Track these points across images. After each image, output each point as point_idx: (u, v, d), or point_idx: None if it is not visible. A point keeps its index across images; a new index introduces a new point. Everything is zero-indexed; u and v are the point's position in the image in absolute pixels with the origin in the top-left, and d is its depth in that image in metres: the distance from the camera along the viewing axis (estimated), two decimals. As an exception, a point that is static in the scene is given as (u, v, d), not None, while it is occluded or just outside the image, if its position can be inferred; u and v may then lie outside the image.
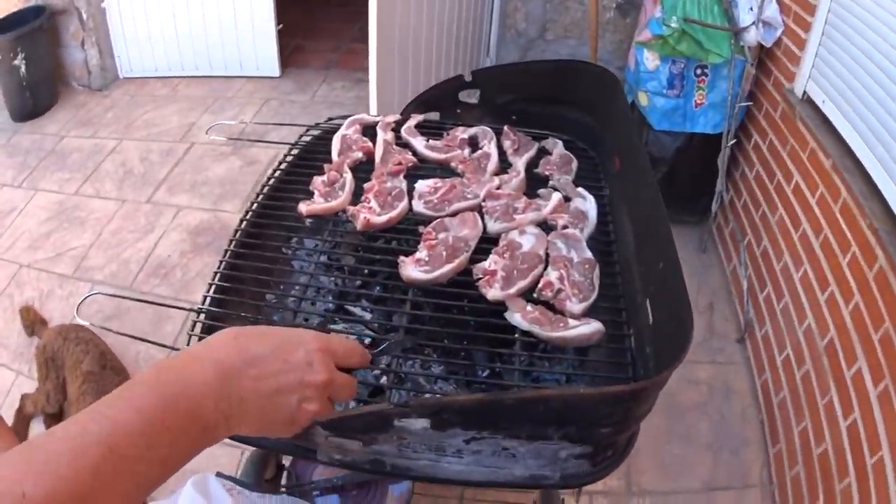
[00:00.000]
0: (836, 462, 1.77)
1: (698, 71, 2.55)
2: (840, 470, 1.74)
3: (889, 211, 1.71)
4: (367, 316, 1.15)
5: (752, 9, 2.38)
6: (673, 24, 2.41)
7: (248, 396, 0.60)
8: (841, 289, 1.90)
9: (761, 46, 2.50)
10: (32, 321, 2.52)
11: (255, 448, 1.20)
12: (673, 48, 2.45)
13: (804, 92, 2.25)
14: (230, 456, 2.00)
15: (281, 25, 4.19)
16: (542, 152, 1.40)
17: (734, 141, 2.63)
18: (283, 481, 1.51)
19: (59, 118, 4.02)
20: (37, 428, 2.25)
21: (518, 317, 0.97)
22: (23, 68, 3.84)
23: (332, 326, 1.14)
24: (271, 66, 4.34)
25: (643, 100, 2.73)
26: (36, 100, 4.04)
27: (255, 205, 1.31)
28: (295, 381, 0.63)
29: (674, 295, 0.86)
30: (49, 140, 3.81)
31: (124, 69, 4.35)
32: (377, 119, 1.46)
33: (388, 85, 2.58)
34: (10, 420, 2.21)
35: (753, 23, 2.37)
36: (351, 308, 1.17)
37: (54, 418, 2.21)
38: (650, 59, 2.61)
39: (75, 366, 2.18)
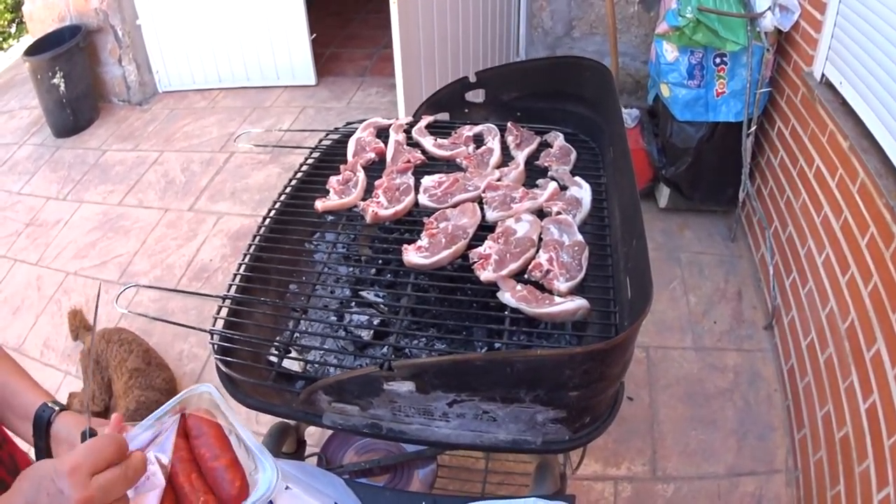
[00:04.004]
0: (856, 445, 1.83)
1: (717, 60, 2.63)
2: (860, 453, 1.80)
3: (905, 186, 1.78)
4: (378, 300, 1.30)
5: (768, -6, 2.45)
6: (688, 15, 2.50)
7: None
8: (860, 270, 1.96)
9: (779, 31, 2.56)
10: (78, 326, 2.75)
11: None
12: (689, 38, 2.54)
13: (822, 74, 2.32)
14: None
15: (315, 35, 4.40)
16: (544, 146, 1.52)
17: (754, 128, 2.69)
18: (315, 463, 1.66)
19: (101, 133, 4.31)
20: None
21: (508, 296, 1.10)
22: (62, 86, 4.14)
23: (346, 310, 1.29)
24: (307, 74, 4.55)
25: (665, 91, 2.82)
26: (76, 116, 4.33)
27: (278, 204, 1.47)
28: None
29: (641, 271, 0.98)
30: (91, 154, 4.09)
31: (163, 83, 4.62)
32: (391, 122, 1.61)
33: (416, 90, 2.73)
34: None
35: (769, 8, 2.44)
36: (364, 294, 1.32)
37: (100, 415, 2.42)
38: (669, 51, 2.70)
39: (120, 364, 2.39)
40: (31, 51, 4.19)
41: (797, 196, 2.47)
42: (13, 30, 6.34)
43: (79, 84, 4.24)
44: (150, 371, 2.40)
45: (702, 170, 2.94)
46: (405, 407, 0.98)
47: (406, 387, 0.92)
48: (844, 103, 2.17)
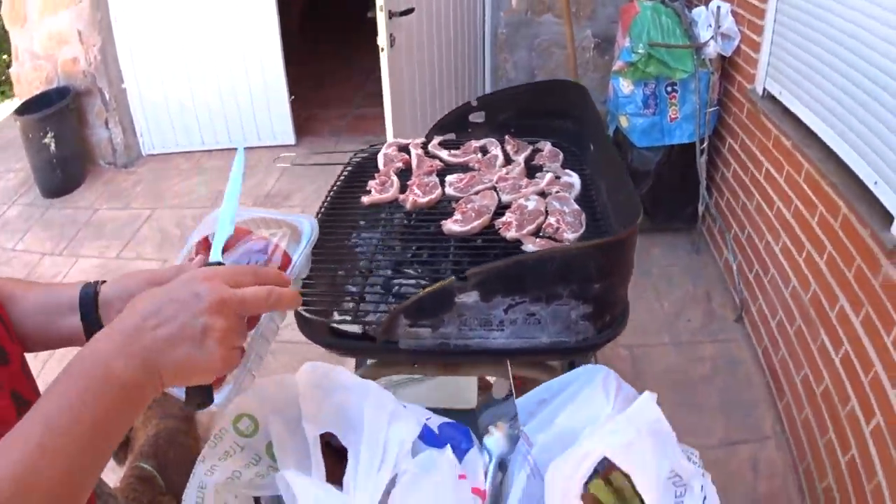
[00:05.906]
0: (837, 393, 2.16)
1: (668, 88, 3.13)
2: (841, 398, 2.13)
3: (842, 165, 2.20)
4: (419, 272, 1.65)
5: (710, 25, 2.97)
6: (640, 50, 2.99)
7: (154, 346, 0.67)
8: (815, 246, 2.37)
9: (722, 57, 3.07)
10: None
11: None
12: (643, 71, 3.04)
13: (764, 89, 2.80)
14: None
15: (293, 97, 4.83)
16: (536, 151, 1.94)
17: (706, 146, 3.17)
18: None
19: (89, 194, 4.62)
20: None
21: (531, 246, 1.48)
22: (52, 146, 4.42)
23: (395, 281, 1.63)
24: (287, 134, 4.97)
25: (624, 122, 3.30)
26: (66, 176, 4.61)
27: (323, 207, 1.83)
28: (189, 315, 0.68)
29: (627, 196, 1.38)
30: (83, 213, 4.38)
31: (147, 146, 4.98)
32: (409, 141, 2.01)
33: (401, 134, 3.21)
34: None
35: (712, 37, 2.95)
36: (406, 270, 1.67)
37: (121, 447, 2.56)
38: (625, 86, 3.19)
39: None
40: (21, 111, 4.45)
41: (751, 199, 2.92)
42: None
43: (69, 145, 4.53)
44: (166, 400, 2.61)
45: (662, 190, 3.40)
46: (470, 320, 1.31)
47: (473, 297, 1.26)
48: (785, 110, 2.62)
